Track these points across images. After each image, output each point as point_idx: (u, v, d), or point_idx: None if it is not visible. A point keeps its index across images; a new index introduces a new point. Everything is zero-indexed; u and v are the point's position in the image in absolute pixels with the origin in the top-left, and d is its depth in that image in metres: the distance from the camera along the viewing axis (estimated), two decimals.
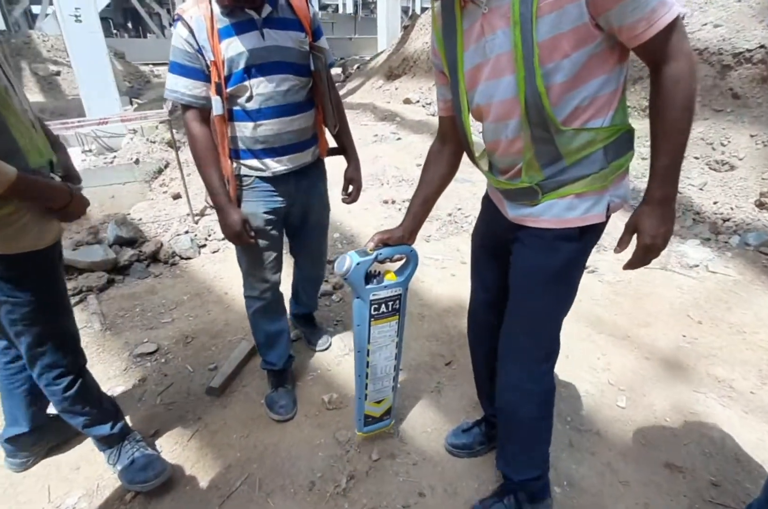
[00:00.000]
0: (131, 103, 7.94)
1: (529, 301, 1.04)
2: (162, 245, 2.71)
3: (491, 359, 1.24)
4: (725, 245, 2.78)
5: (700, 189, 3.34)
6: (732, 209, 3.09)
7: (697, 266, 2.62)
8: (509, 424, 1.18)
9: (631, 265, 0.96)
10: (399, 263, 1.23)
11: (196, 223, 3.10)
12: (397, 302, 1.21)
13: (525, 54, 0.82)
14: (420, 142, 4.89)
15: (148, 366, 1.83)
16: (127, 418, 1.57)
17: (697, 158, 3.58)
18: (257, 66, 1.27)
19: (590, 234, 0.98)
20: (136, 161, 5.32)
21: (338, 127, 1.49)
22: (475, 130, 1.06)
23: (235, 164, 1.38)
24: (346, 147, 1.60)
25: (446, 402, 1.63)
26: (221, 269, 2.57)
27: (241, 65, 1.25)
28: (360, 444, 1.46)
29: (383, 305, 1.19)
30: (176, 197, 3.64)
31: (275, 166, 1.39)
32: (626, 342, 1.98)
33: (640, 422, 1.55)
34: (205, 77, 1.27)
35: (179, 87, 1.28)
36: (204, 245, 2.87)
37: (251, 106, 1.30)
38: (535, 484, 1.20)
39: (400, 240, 1.17)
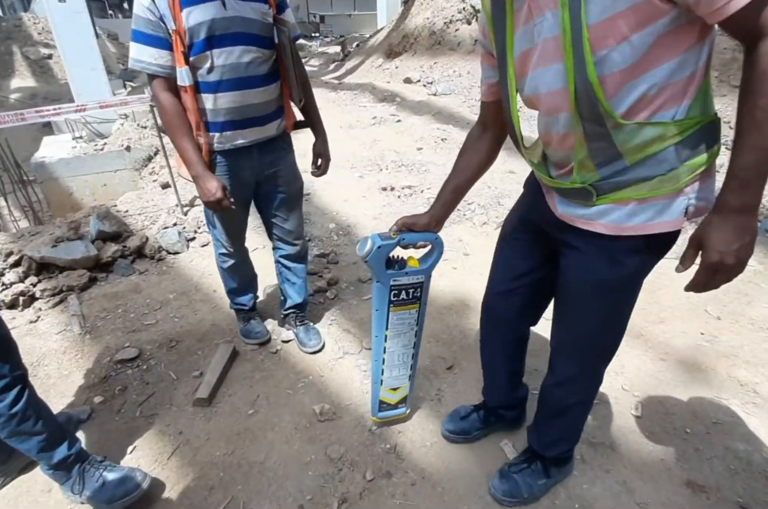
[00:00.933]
0: (125, 86, 7.68)
1: (584, 311, 0.98)
2: (148, 239, 2.57)
3: (507, 353, 1.26)
4: None
5: (717, 171, 3.14)
6: None
7: None
8: (553, 411, 1.16)
9: (694, 287, 0.79)
10: (423, 251, 1.18)
11: (185, 214, 2.95)
12: (419, 290, 1.17)
13: (574, 39, 0.71)
14: (421, 124, 4.67)
15: (129, 374, 1.72)
16: (104, 434, 1.47)
17: None
18: (218, 36, 1.25)
19: (659, 244, 0.85)
20: (127, 148, 5.14)
21: (303, 102, 1.50)
22: (524, 117, 0.89)
23: (206, 137, 1.38)
24: (313, 121, 1.62)
25: (448, 411, 1.50)
26: (210, 264, 2.44)
27: (202, 35, 1.24)
28: (353, 462, 1.35)
29: (403, 292, 1.15)
30: (165, 186, 3.48)
31: (237, 139, 1.40)
32: (640, 341, 1.85)
33: (657, 433, 1.43)
34: (169, 46, 1.25)
35: (145, 56, 1.27)
36: (193, 238, 2.73)
37: (212, 77, 1.29)
38: (566, 454, 1.23)
39: (426, 227, 1.11)
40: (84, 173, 5.04)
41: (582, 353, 1.05)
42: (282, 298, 1.90)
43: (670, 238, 0.84)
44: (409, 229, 1.10)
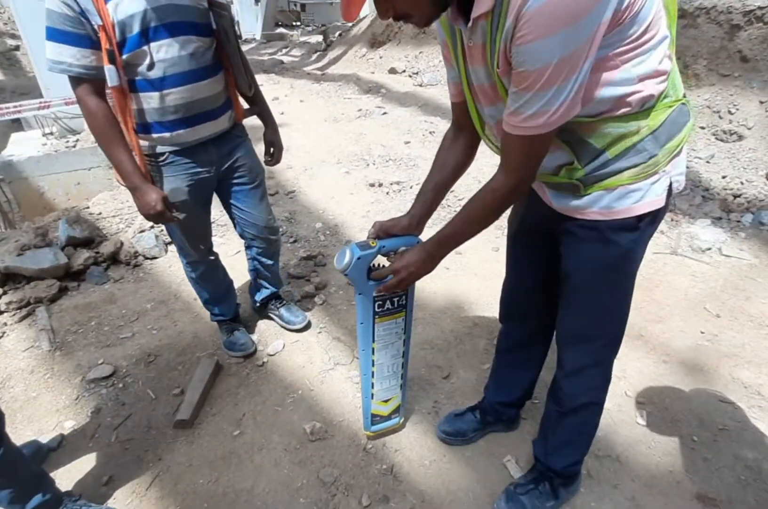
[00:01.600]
0: None
1: (587, 294, 0.99)
2: (122, 244, 2.42)
3: (523, 346, 1.26)
4: (738, 224, 2.57)
5: (707, 162, 3.11)
6: (742, 183, 2.87)
7: (709, 249, 2.42)
8: (562, 412, 1.13)
9: (386, 289, 1.01)
10: None
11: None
12: (404, 297, 1.12)
13: (507, 89, 0.78)
14: (408, 116, 4.54)
15: (103, 394, 1.60)
16: (77, 463, 1.36)
17: (703, 127, 3.32)
18: (154, 28, 1.15)
19: (649, 221, 0.89)
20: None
21: (254, 89, 1.45)
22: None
23: (145, 141, 1.29)
24: (261, 109, 1.55)
25: None
26: None
27: (136, 29, 1.13)
28: (348, 487, 1.27)
29: (388, 302, 1.10)
30: None
31: (190, 137, 1.32)
32: (640, 342, 1.79)
33: (664, 443, 1.38)
34: (93, 44, 1.13)
35: (65, 57, 1.13)
36: (171, 242, 2.58)
37: (154, 74, 1.20)
38: (574, 468, 1.19)
39: (407, 230, 1.06)
40: (56, 172, 4.79)
41: (589, 340, 1.04)
42: (254, 290, 1.88)
43: (660, 213, 0.90)
44: (389, 233, 1.05)
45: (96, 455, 1.38)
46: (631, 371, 1.65)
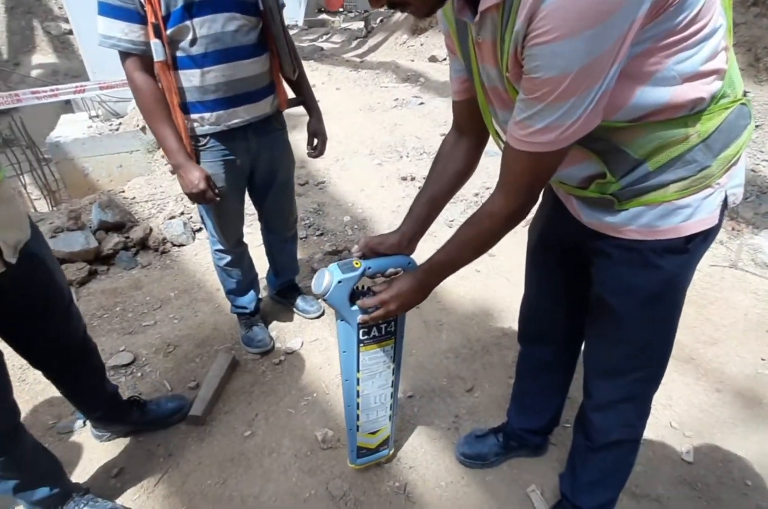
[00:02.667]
0: None
1: (624, 327, 0.86)
2: (152, 230, 2.43)
3: (544, 371, 1.15)
4: None
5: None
6: None
7: None
8: (592, 448, 1.02)
9: (372, 319, 0.90)
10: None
11: (194, 203, 2.80)
12: (393, 324, 1.00)
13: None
14: (445, 107, 4.36)
15: (122, 382, 1.59)
16: (90, 451, 1.36)
17: None
18: (198, 3, 1.14)
19: (700, 241, 0.76)
20: (143, 129, 5.01)
21: (297, 73, 1.43)
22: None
23: (187, 122, 1.28)
24: (305, 97, 1.53)
25: None
26: None
27: (180, 2, 1.13)
28: (357, 502, 1.20)
29: (374, 329, 0.98)
30: (174, 172, 3.33)
31: (230, 118, 1.30)
32: (690, 367, 1.62)
33: (712, 485, 1.23)
34: (141, 19, 1.13)
35: (114, 32, 1.14)
36: (200, 229, 2.58)
37: (196, 50, 1.19)
38: (606, 507, 1.08)
39: (396, 249, 0.94)
40: (99, 154, 4.94)
41: (623, 375, 0.91)
42: (272, 277, 1.90)
43: (710, 233, 0.77)
44: (375, 252, 0.93)
45: (108, 446, 1.37)
46: (679, 398, 1.49)
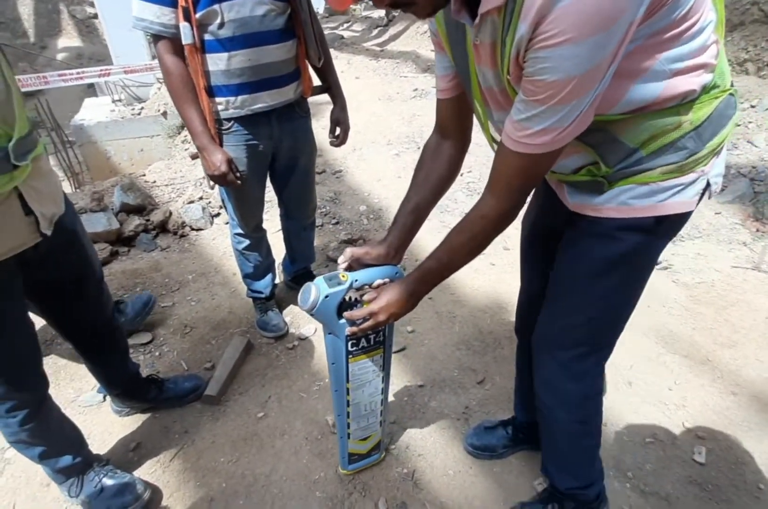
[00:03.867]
0: None
1: (571, 292, 0.87)
2: (171, 213, 2.47)
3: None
4: None
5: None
6: None
7: None
8: (546, 427, 1.04)
9: (361, 331, 0.89)
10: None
11: (212, 188, 2.83)
12: (381, 334, 0.99)
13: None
14: None
15: (140, 360, 1.64)
16: (109, 425, 1.41)
17: None
18: None
19: (669, 225, 0.77)
20: (164, 114, 5.05)
21: (323, 60, 1.42)
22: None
23: (212, 105, 1.29)
24: (330, 85, 1.52)
25: None
26: None
27: None
28: (365, 486, 1.22)
29: (363, 340, 0.97)
30: (195, 157, 3.36)
31: (255, 103, 1.31)
32: (707, 368, 1.60)
33: (723, 487, 1.21)
34: (173, 2, 1.15)
35: (147, 14, 1.17)
36: (218, 214, 2.61)
37: (224, 33, 1.20)
38: (584, 493, 1.07)
39: (382, 259, 0.93)
40: (121, 137, 5.01)
41: (561, 347, 0.91)
42: (288, 263, 1.91)
43: (682, 219, 0.77)
44: (362, 263, 0.93)
45: (127, 421, 1.42)
46: (693, 399, 1.47)
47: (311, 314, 0.88)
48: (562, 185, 0.82)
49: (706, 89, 0.67)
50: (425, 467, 1.27)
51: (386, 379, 1.09)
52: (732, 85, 0.72)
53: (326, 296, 0.85)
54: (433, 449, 1.33)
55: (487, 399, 1.48)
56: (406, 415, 1.43)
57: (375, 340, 0.99)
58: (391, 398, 1.49)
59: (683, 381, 1.54)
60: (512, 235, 2.42)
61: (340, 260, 0.93)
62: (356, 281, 0.88)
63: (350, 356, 0.97)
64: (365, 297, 0.89)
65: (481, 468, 1.27)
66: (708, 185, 0.74)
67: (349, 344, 0.95)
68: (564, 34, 0.52)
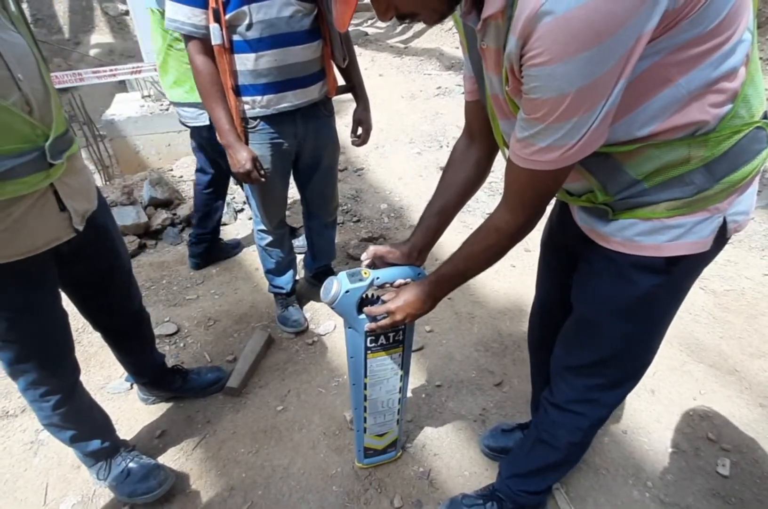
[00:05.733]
0: None
1: (589, 332, 0.85)
2: None
3: (546, 368, 1.10)
4: None
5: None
6: None
7: None
8: (540, 440, 1.02)
9: (379, 328, 0.90)
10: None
11: (236, 184, 2.88)
12: (400, 333, 1.00)
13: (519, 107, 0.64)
14: None
15: (165, 350, 1.69)
16: (136, 413, 1.46)
17: None
18: None
19: (684, 266, 0.72)
20: None
21: (347, 61, 1.43)
22: None
23: (239, 104, 1.32)
24: (354, 85, 1.55)
25: None
26: None
27: None
28: (381, 483, 1.24)
29: (382, 337, 0.99)
30: None
31: (280, 102, 1.34)
32: (734, 379, 1.55)
33: (747, 501, 1.18)
34: (204, 4, 1.18)
35: (179, 15, 1.21)
36: (241, 210, 2.66)
37: (252, 34, 1.22)
38: (529, 498, 1.09)
39: (405, 259, 0.93)
40: (150, 132, 5.13)
41: (581, 378, 0.90)
42: (309, 260, 1.94)
43: (697, 259, 0.71)
44: (384, 261, 0.93)
45: (152, 408, 1.47)
46: (718, 410, 1.43)
47: (332, 307, 0.90)
48: (573, 204, 0.81)
49: (724, 120, 0.61)
50: (441, 467, 1.28)
51: (405, 378, 1.11)
52: (765, 117, 0.65)
53: (347, 291, 0.87)
54: (449, 449, 1.33)
55: (505, 402, 1.48)
56: (422, 414, 1.44)
57: (394, 338, 1.00)
58: (408, 395, 1.50)
59: (709, 391, 1.50)
60: (534, 237, 2.36)
61: (363, 257, 0.94)
62: (378, 278, 0.89)
63: (369, 351, 0.99)
64: (384, 297, 0.90)
65: (498, 471, 1.26)
66: (725, 223, 0.68)
67: (368, 339, 0.97)
68: (550, 52, 0.50)
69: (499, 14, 0.55)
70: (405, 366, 1.08)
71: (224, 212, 2.54)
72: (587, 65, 0.50)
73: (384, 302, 0.90)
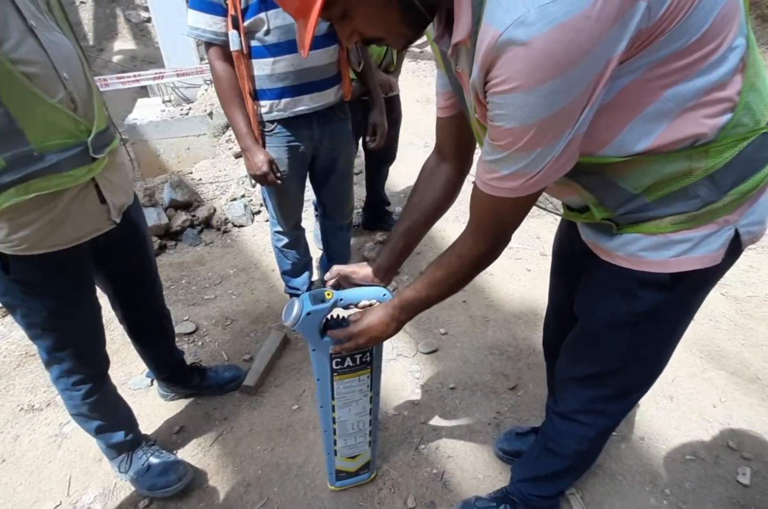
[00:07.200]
0: None
1: (594, 344, 0.83)
2: (215, 210, 2.58)
3: None
4: None
5: None
6: None
7: None
8: (546, 448, 1.02)
9: (343, 350, 0.88)
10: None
11: (253, 186, 2.92)
12: (368, 354, 0.97)
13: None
14: None
15: (184, 349, 1.72)
16: (155, 409, 1.50)
17: None
18: None
19: (691, 282, 0.69)
20: (210, 114, 5.27)
21: (363, 65, 1.47)
22: None
23: (256, 107, 1.35)
24: (369, 88, 1.58)
25: None
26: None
27: None
28: (395, 483, 1.24)
29: (348, 359, 0.95)
30: (238, 156, 3.49)
31: (296, 106, 1.36)
32: (756, 387, 1.52)
33: None
34: (224, 11, 1.21)
35: (200, 23, 1.24)
36: (258, 212, 2.71)
37: (270, 40, 1.25)
38: (542, 502, 1.09)
39: (369, 280, 0.92)
40: (170, 136, 5.25)
41: (586, 389, 0.88)
42: (324, 263, 1.95)
43: (707, 273, 0.67)
44: (349, 281, 0.91)
45: (172, 404, 1.51)
46: (739, 419, 1.40)
47: (294, 330, 0.88)
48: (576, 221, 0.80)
49: (725, 129, 0.58)
50: (455, 469, 1.28)
51: (375, 399, 1.07)
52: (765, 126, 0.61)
53: (308, 313, 0.84)
54: (462, 451, 1.33)
55: (519, 406, 1.47)
56: (436, 416, 1.44)
57: (361, 360, 0.96)
58: (421, 397, 1.50)
59: (729, 399, 1.47)
60: (549, 240, 2.36)
61: (327, 276, 0.92)
62: (341, 300, 0.87)
63: (335, 373, 0.96)
64: (352, 318, 0.88)
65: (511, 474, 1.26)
66: (737, 234, 0.65)
67: (334, 362, 0.94)
68: (512, 81, 0.48)
69: (467, 40, 0.54)
70: (375, 388, 1.05)
71: (242, 213, 2.60)
72: (550, 96, 0.49)
73: (348, 321, 0.88)
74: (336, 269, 0.91)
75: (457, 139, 0.80)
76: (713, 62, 0.53)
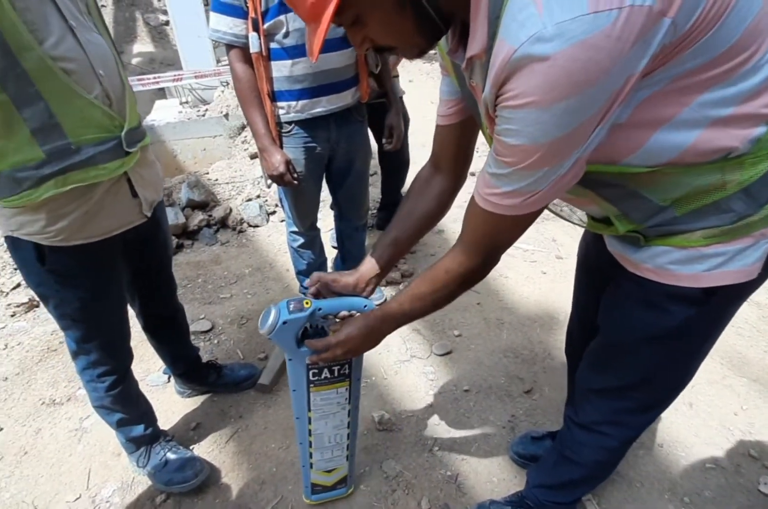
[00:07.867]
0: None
1: (618, 357, 0.81)
2: (231, 210, 2.61)
3: None
4: None
5: None
6: None
7: None
8: (564, 456, 0.99)
9: (320, 360, 0.83)
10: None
11: (269, 187, 2.96)
12: (346, 366, 0.93)
13: None
14: None
15: (200, 346, 1.75)
16: (172, 405, 1.52)
17: None
18: None
19: (724, 296, 0.66)
20: (226, 116, 5.34)
21: (380, 67, 1.49)
22: None
23: (274, 109, 1.37)
24: (386, 91, 1.60)
25: None
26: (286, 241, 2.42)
27: None
28: (409, 485, 1.24)
29: (326, 370, 0.92)
30: (253, 156, 3.53)
31: (314, 107, 1.37)
32: None
33: None
34: (245, 14, 1.23)
35: (221, 26, 1.26)
36: (273, 212, 2.73)
37: (289, 42, 1.26)
38: (558, 508, 1.08)
39: (350, 290, 0.87)
40: (187, 137, 5.34)
41: (608, 400, 0.86)
42: (339, 260, 1.97)
43: (742, 288, 0.64)
44: (330, 290, 0.87)
45: (188, 401, 1.53)
46: (762, 427, 1.37)
47: (269, 339, 0.84)
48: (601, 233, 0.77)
49: (761, 141, 0.55)
50: (469, 471, 1.28)
51: (353, 413, 1.04)
52: None
53: (284, 322, 0.80)
54: (477, 454, 1.32)
55: (535, 409, 1.46)
56: (450, 418, 1.44)
57: (339, 372, 0.93)
58: (435, 399, 1.50)
59: (751, 407, 1.44)
60: (565, 243, 2.35)
61: (308, 283, 0.89)
62: (320, 310, 0.82)
63: (312, 385, 0.93)
64: (332, 328, 0.85)
65: (526, 478, 1.25)
66: None
67: (311, 373, 0.91)
68: (525, 96, 0.47)
69: (482, 54, 0.53)
70: (353, 401, 1.01)
71: (257, 214, 2.63)
72: (564, 115, 0.47)
73: (327, 331, 0.85)
74: (316, 276, 0.87)
75: (455, 149, 0.78)
76: (744, 72, 0.51)
